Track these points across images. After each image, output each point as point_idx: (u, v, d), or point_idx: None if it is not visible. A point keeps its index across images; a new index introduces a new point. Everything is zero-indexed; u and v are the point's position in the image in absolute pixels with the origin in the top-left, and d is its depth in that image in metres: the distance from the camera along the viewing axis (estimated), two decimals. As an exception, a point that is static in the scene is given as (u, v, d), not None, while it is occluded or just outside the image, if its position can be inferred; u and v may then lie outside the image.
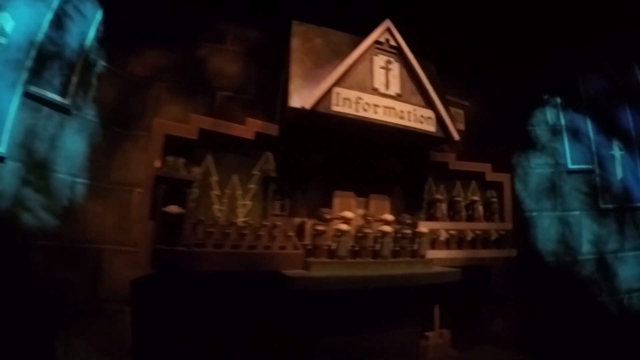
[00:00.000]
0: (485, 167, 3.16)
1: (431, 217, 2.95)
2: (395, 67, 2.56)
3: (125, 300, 2.38)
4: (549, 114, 3.81)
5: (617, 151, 3.96)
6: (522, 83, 3.79)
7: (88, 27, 2.46)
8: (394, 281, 2.34)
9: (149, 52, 2.73)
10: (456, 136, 2.64)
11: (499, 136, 3.54)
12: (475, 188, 3.20)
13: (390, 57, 2.57)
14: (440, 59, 3.09)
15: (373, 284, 2.25)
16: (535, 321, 3.32)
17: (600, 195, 3.83)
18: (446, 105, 2.76)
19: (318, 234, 2.29)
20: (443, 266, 2.67)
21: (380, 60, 2.54)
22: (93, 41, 2.45)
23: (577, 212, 3.66)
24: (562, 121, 3.84)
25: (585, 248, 3.62)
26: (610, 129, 4.03)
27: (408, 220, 2.62)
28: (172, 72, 2.76)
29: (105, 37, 2.53)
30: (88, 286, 2.32)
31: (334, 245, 2.30)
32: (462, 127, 3.39)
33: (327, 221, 2.36)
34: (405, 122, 2.50)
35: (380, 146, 2.73)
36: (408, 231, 2.52)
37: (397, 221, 2.61)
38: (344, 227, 2.34)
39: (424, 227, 2.70)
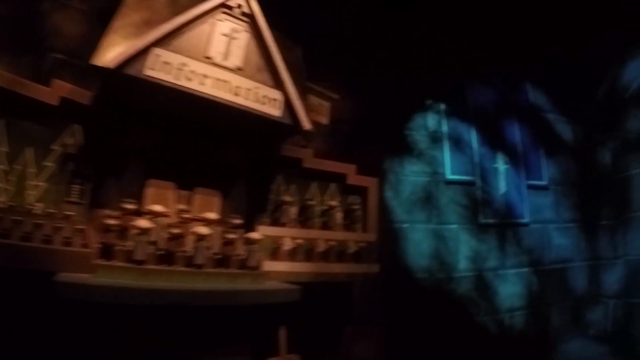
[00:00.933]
0: (347, 169, 3.29)
1: (276, 222, 2.93)
2: (243, 37, 2.59)
3: None
4: (430, 120, 4.13)
5: (501, 164, 4.37)
6: (405, 84, 4.04)
7: None
8: (207, 298, 2.25)
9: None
10: (307, 125, 2.70)
11: (371, 137, 3.72)
12: (334, 192, 3.28)
13: (239, 25, 2.57)
14: (315, 47, 3.25)
15: (173, 300, 2.12)
16: (405, 343, 3.42)
17: (481, 209, 4.16)
18: (303, 90, 2.84)
19: (111, 230, 2.14)
20: (284, 281, 2.69)
21: (224, 26, 2.55)
22: None
23: (454, 226, 3.95)
24: (444, 128, 4.14)
25: (463, 264, 3.93)
26: (495, 141, 4.46)
27: (237, 221, 2.57)
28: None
29: None
30: None
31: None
32: (325, 120, 3.50)
33: (129, 214, 2.23)
34: (239, 100, 2.50)
35: (220, 131, 2.72)
36: (233, 236, 2.47)
37: (224, 223, 2.55)
38: (143, 223, 2.23)
39: (260, 232, 2.71)
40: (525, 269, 4.42)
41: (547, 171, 4.91)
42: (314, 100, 3.39)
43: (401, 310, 3.60)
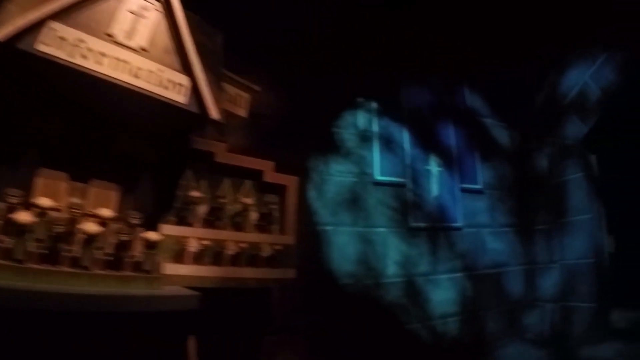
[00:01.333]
0: (264, 165, 3.31)
1: (183, 221, 2.89)
2: (153, 16, 2.58)
3: None
4: (361, 118, 4.24)
5: (434, 167, 4.53)
6: (335, 81, 4.12)
7: None
8: (91, 303, 2.15)
9: None
10: (215, 114, 2.70)
11: (295, 134, 3.77)
12: (249, 190, 3.27)
13: (149, 2, 2.57)
14: (240, 36, 3.30)
15: (54, 303, 2.03)
16: (331, 353, 3.44)
17: (411, 212, 4.28)
18: (217, 78, 2.85)
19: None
20: (188, 286, 2.65)
21: (133, 3, 2.52)
22: None
23: (382, 229, 4.06)
24: (375, 128, 4.25)
25: (392, 270, 4.00)
26: (429, 143, 4.66)
27: (134, 220, 2.51)
28: None
29: None
30: None
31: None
32: (243, 113, 3.51)
33: (14, 207, 2.13)
34: (140, 83, 2.47)
35: (122, 119, 2.67)
36: (127, 236, 2.41)
37: (121, 220, 2.48)
38: (23, 218, 2.14)
39: (163, 232, 2.69)
40: (458, 274, 4.58)
41: (482, 175, 5.16)
42: (232, 90, 3.40)
43: (326, 319, 3.65)
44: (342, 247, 3.85)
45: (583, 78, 5.19)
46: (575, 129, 5.23)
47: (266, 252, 3.18)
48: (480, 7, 5.24)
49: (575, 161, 5.31)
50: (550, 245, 5.38)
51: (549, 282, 5.25)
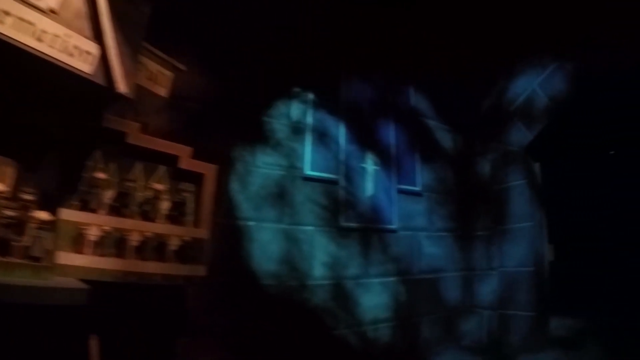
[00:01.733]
0: (181, 150, 3.28)
1: (86, 206, 2.83)
2: None
3: None
4: (295, 109, 4.26)
5: (370, 165, 4.63)
6: (270, 68, 4.15)
7: None
8: None
9: None
10: (123, 87, 2.67)
11: (221, 119, 3.76)
12: (163, 176, 3.25)
13: None
14: (171, 10, 3.34)
15: None
16: (250, 357, 3.43)
17: (343, 210, 4.35)
18: (134, 51, 2.80)
19: None
20: (84, 278, 2.59)
21: None
22: None
23: (310, 228, 4.13)
24: (309, 120, 4.30)
25: (319, 271, 4.04)
26: (367, 140, 4.76)
27: (26, 195, 2.44)
28: None
29: None
30: None
31: None
32: (163, 92, 3.47)
33: None
34: (42, 47, 2.40)
35: (28, 88, 2.58)
36: (15, 211, 2.33)
37: (11, 197, 2.41)
38: None
39: (62, 216, 2.64)
40: (392, 278, 4.71)
41: (422, 177, 5.35)
42: (154, 67, 3.37)
43: (245, 322, 3.66)
44: (265, 244, 3.87)
45: (532, 86, 5.48)
46: (520, 135, 5.52)
47: (176, 245, 3.16)
48: (432, 7, 5.44)
49: (518, 168, 5.58)
50: (490, 251, 5.63)
51: (487, 289, 5.50)
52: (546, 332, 5.01)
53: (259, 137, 4.07)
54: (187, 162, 3.39)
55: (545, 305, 5.08)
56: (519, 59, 5.62)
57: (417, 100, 5.56)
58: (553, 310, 5.09)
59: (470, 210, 5.77)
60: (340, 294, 4.25)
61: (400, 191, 5.07)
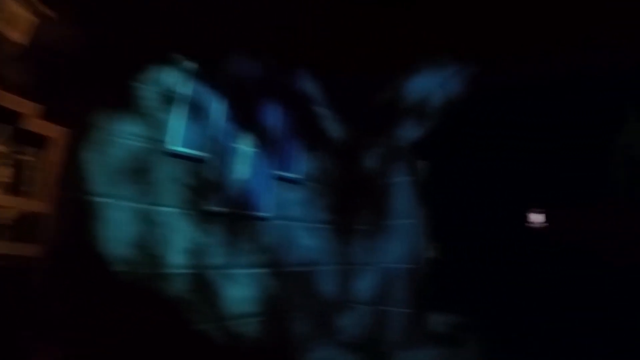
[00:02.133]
0: (27, 107, 3.03)
1: None
2: None
3: None
4: (167, 77, 4.09)
5: (246, 146, 4.58)
6: (147, 28, 3.96)
7: None
8: None
9: None
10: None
11: (82, 78, 3.50)
12: (3, 136, 2.94)
13: None
14: None
15: None
16: (95, 354, 3.26)
17: (210, 193, 4.29)
18: None
19: None
20: None
21: None
22: None
23: (170, 209, 4.05)
24: (183, 90, 4.16)
25: (178, 259, 3.99)
26: (246, 120, 4.69)
27: None
28: None
29: None
30: None
31: None
32: (19, 38, 3.14)
33: None
34: None
35: None
36: None
37: None
38: None
39: None
40: (261, 270, 4.74)
41: (304, 165, 5.40)
42: (11, 7, 3.04)
43: (91, 313, 3.50)
44: (118, 225, 3.73)
45: (429, 85, 5.77)
46: (408, 132, 5.80)
47: (10, 219, 2.96)
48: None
49: (403, 165, 5.86)
50: (369, 246, 5.89)
51: (364, 285, 5.75)
52: (424, 328, 5.32)
53: (123, 103, 3.90)
54: (33, 123, 3.22)
55: (424, 302, 5.41)
56: (420, 58, 5.87)
57: (308, 85, 5.61)
58: (432, 306, 5.42)
59: (352, 203, 5.95)
60: (202, 284, 4.21)
61: (279, 177, 5.09)
